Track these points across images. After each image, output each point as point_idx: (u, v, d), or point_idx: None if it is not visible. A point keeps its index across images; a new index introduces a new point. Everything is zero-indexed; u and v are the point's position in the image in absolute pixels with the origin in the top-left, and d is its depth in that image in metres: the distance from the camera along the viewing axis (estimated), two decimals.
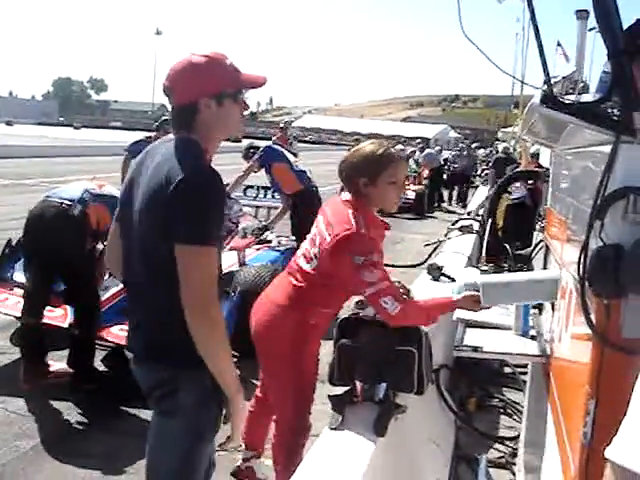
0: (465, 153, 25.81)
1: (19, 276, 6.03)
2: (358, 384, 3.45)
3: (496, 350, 3.95)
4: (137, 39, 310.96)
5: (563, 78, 3.97)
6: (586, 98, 2.51)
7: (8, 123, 66.66)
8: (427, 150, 24.61)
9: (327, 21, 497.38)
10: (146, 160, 2.58)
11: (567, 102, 2.11)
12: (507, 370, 6.37)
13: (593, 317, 1.97)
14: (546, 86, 2.07)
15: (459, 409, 5.26)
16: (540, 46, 2.61)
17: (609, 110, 2.00)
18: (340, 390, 3.45)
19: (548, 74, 2.53)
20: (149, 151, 2.64)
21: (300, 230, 8.67)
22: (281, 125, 24.79)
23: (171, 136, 2.60)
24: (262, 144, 9.32)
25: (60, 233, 5.23)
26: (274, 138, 25.19)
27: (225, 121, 2.66)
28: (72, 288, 5.52)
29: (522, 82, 2.22)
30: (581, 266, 1.97)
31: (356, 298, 3.71)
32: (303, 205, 8.64)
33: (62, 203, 5.39)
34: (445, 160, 28.24)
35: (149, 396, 2.66)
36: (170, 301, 2.37)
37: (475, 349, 3.84)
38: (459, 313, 4.15)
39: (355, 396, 3.39)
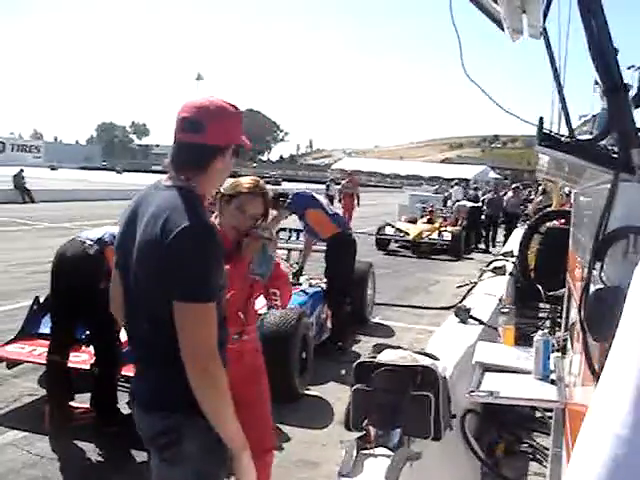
0: (498, 195, 25.46)
1: (45, 330, 6.13)
2: (372, 429, 3.38)
3: (513, 395, 3.85)
4: (178, 84, 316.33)
5: (593, 117, 3.91)
6: (586, 136, 2.46)
7: (52, 168, 67.84)
8: (458, 203, 24.47)
9: (366, 64, 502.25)
10: (139, 208, 2.52)
11: (564, 140, 2.06)
12: (537, 414, 6.22)
13: (595, 360, 1.89)
14: (539, 125, 2.02)
15: (486, 455, 5.12)
16: (559, 85, 2.58)
17: (608, 147, 1.94)
18: (351, 435, 3.39)
19: (567, 114, 2.49)
20: (141, 199, 2.57)
21: (336, 271, 8.79)
22: (349, 172, 28.92)
23: (165, 183, 2.56)
24: (290, 191, 9.37)
25: (78, 271, 5.33)
26: (344, 182, 27.24)
27: (226, 173, 2.68)
28: (91, 327, 5.58)
29: (524, 121, 2.15)
30: (582, 309, 1.90)
31: (372, 341, 3.67)
32: (339, 247, 8.76)
33: (84, 242, 5.50)
34: (483, 201, 28.05)
35: (151, 443, 2.61)
36: (172, 352, 2.33)
37: (491, 394, 3.75)
38: (478, 357, 4.07)
39: (368, 442, 3.32)
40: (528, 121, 2.14)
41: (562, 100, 2.61)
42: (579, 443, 1.10)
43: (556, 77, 2.57)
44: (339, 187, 28.11)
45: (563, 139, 2.05)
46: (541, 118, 2.04)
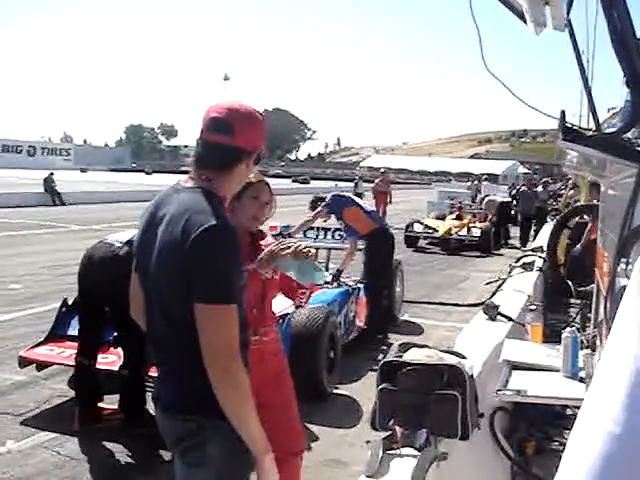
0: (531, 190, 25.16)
1: (74, 332, 6.16)
2: (398, 429, 3.35)
3: (541, 394, 3.79)
4: (206, 85, 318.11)
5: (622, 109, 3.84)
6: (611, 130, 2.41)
7: (82, 170, 68.51)
8: (487, 198, 24.25)
9: (394, 61, 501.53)
10: (159, 210, 2.50)
11: (587, 134, 2.01)
12: (569, 412, 6.14)
13: None
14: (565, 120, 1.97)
15: (516, 454, 5.06)
16: (585, 78, 2.54)
17: (632, 140, 1.89)
18: (377, 434, 3.36)
19: (594, 108, 2.45)
20: (160, 201, 2.55)
21: (374, 267, 9.11)
22: (382, 170, 29.39)
23: (184, 184, 2.55)
24: (328, 194, 9.59)
25: (106, 271, 5.33)
26: (377, 180, 27.79)
27: (245, 179, 2.70)
28: (119, 329, 5.59)
29: (545, 114, 2.09)
30: (607, 305, 1.86)
31: (401, 339, 3.64)
32: (377, 243, 9.16)
33: (112, 244, 5.52)
34: (514, 197, 27.78)
35: (174, 447, 2.60)
36: (194, 354, 2.32)
37: (518, 392, 3.69)
38: (505, 354, 4.01)
39: (395, 442, 3.29)
40: (550, 115, 2.10)
41: (588, 93, 2.56)
42: (572, 440, 1.09)
43: (582, 69, 2.52)
44: (373, 185, 28.28)
45: (586, 133, 2.01)
46: (563, 112, 1.99)
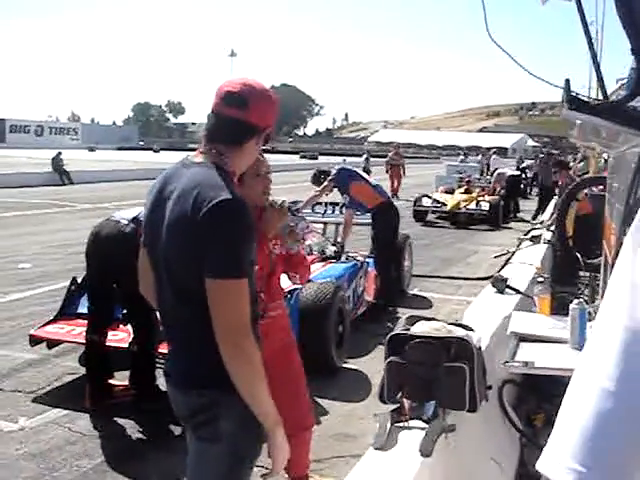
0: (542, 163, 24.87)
1: (84, 309, 6.18)
2: (406, 402, 3.36)
3: (549, 365, 3.79)
4: (212, 61, 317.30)
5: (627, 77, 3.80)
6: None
7: (91, 149, 68.35)
8: (497, 171, 24.09)
9: (401, 34, 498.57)
10: (167, 185, 2.49)
11: (593, 103, 1.99)
12: None
13: None
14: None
15: (525, 426, 5.07)
16: (591, 47, 2.51)
17: (638, 109, 1.87)
18: (386, 408, 3.37)
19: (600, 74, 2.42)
20: (169, 176, 2.54)
21: (381, 240, 9.19)
22: (395, 144, 31.83)
23: (193, 159, 2.55)
24: (332, 169, 9.59)
25: (112, 249, 5.37)
26: (390, 154, 28.87)
27: (254, 157, 2.70)
28: (128, 306, 5.62)
29: (551, 84, 2.06)
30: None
31: (410, 313, 3.65)
32: (385, 216, 9.22)
33: (119, 221, 5.54)
34: (523, 169, 27.60)
35: (187, 422, 2.62)
36: (204, 329, 2.32)
37: (526, 364, 3.69)
38: (513, 327, 4.01)
39: (403, 414, 3.30)
40: (555, 84, 2.08)
41: (595, 62, 2.53)
42: (567, 398, 1.09)
43: (589, 39, 2.49)
44: (386, 159, 29.28)
45: (591, 102, 1.99)
46: (567, 80, 1.97)
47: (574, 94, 1.95)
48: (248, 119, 2.50)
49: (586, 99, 1.96)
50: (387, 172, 28.04)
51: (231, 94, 2.50)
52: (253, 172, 3.52)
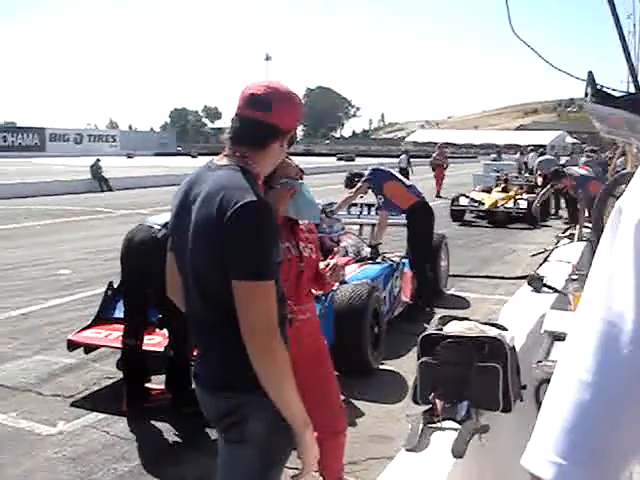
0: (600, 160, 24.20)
1: (120, 314, 6.24)
2: (439, 403, 3.32)
3: None
4: (247, 66, 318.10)
5: None
6: None
7: (129, 156, 68.91)
8: (545, 156, 23.75)
9: (436, 34, 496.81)
10: (193, 189, 2.51)
11: (617, 95, 1.95)
12: None
13: None
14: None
15: None
16: (622, 37, 2.46)
17: None
18: (419, 409, 3.34)
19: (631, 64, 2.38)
20: (194, 180, 2.56)
21: (417, 241, 9.12)
22: (439, 144, 32.68)
23: (218, 162, 2.55)
24: (365, 171, 9.57)
25: (145, 254, 5.39)
26: (434, 155, 29.88)
27: (279, 160, 2.70)
28: (163, 310, 5.64)
29: (575, 77, 2.01)
30: None
31: (448, 313, 3.62)
32: (419, 216, 9.13)
33: (151, 227, 5.58)
34: (563, 166, 27.19)
35: (217, 424, 2.63)
36: (232, 331, 2.33)
37: None
38: (547, 325, 3.95)
39: (435, 415, 3.27)
40: (578, 77, 2.04)
41: (627, 54, 2.48)
42: (548, 392, 1.09)
43: (620, 32, 2.44)
44: (430, 159, 30.36)
45: (616, 93, 1.95)
46: (590, 72, 1.94)
47: (599, 86, 1.91)
48: (271, 121, 2.50)
49: (611, 91, 1.92)
50: (433, 170, 29.09)
51: (255, 96, 2.52)
52: (282, 175, 3.52)
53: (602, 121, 2.32)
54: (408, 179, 12.12)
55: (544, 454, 1.05)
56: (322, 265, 3.88)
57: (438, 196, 26.15)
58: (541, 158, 23.12)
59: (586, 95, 1.95)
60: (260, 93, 2.52)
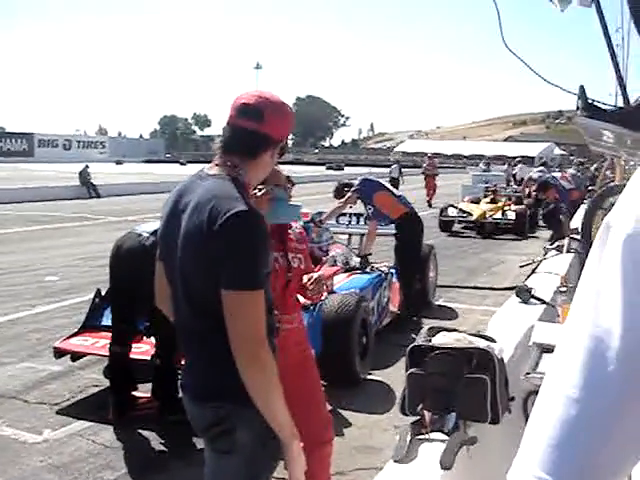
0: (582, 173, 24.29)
1: (108, 322, 6.21)
2: (427, 414, 3.32)
3: None
4: (237, 74, 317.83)
5: None
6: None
7: (118, 162, 68.71)
8: (539, 169, 23.82)
9: (426, 45, 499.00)
10: (182, 198, 2.51)
11: (607, 109, 1.96)
12: None
13: None
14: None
15: None
16: (612, 53, 2.48)
17: None
18: (407, 420, 3.34)
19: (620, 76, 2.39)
20: (184, 189, 2.56)
21: (407, 249, 9.13)
22: (429, 155, 33.72)
23: (208, 172, 2.55)
24: (354, 181, 9.54)
25: (134, 262, 5.37)
26: (425, 165, 31.08)
27: (269, 169, 2.70)
28: (150, 318, 5.63)
29: (566, 91, 2.02)
30: None
31: (436, 324, 3.63)
32: (408, 227, 9.17)
33: (140, 234, 5.57)
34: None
35: (203, 434, 2.62)
36: (220, 341, 2.33)
37: None
38: (535, 337, 3.96)
39: (424, 426, 3.26)
40: (570, 91, 2.05)
41: (616, 67, 2.49)
42: (535, 407, 1.10)
43: (609, 44, 2.46)
44: (421, 169, 31.76)
45: (607, 108, 1.96)
46: (582, 86, 1.94)
47: (590, 100, 1.92)
48: (263, 131, 2.51)
49: (602, 105, 1.93)
50: (425, 178, 30.13)
51: (246, 106, 2.52)
52: (271, 184, 3.51)
53: (592, 135, 2.33)
54: (398, 189, 12.13)
55: (530, 470, 1.06)
56: (305, 278, 3.88)
57: (429, 205, 26.35)
58: (540, 173, 23.21)
59: (577, 109, 1.96)
60: (252, 103, 2.52)
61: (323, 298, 6.41)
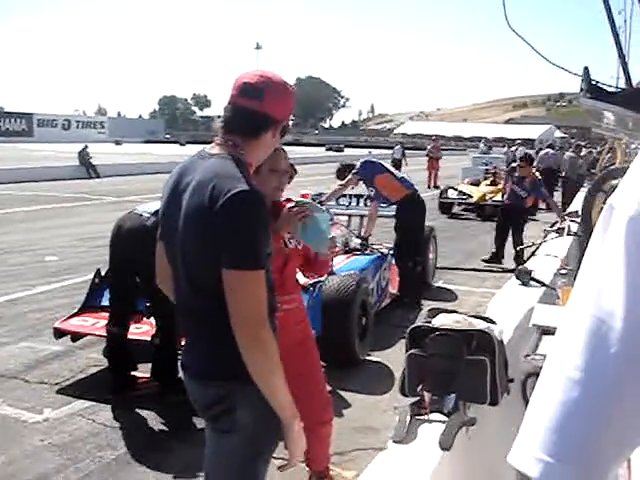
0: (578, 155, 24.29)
1: (107, 302, 6.21)
2: (426, 395, 3.33)
3: None
4: (237, 54, 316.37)
5: None
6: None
7: (117, 143, 68.43)
8: (545, 151, 23.78)
9: (426, 25, 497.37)
10: (184, 177, 2.50)
11: (612, 91, 1.95)
12: None
13: None
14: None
15: None
16: (615, 34, 2.47)
17: None
18: (407, 401, 3.35)
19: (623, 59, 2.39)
20: (185, 168, 2.55)
21: (407, 233, 9.08)
22: (433, 137, 33.90)
23: (210, 151, 2.54)
24: (356, 162, 9.47)
25: (135, 242, 5.38)
26: (429, 147, 31.18)
27: (271, 149, 2.69)
28: (150, 298, 5.64)
29: (571, 72, 2.00)
30: None
31: (435, 305, 3.63)
32: (410, 208, 9.12)
33: (141, 215, 5.56)
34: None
35: (204, 413, 2.63)
36: (221, 321, 2.32)
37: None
38: (535, 319, 3.97)
39: (423, 407, 3.28)
40: (575, 73, 2.04)
41: (619, 50, 2.49)
42: (537, 386, 1.10)
43: (612, 27, 2.45)
44: (426, 152, 31.61)
45: (611, 89, 1.95)
46: (586, 68, 1.94)
47: (594, 82, 1.91)
48: (264, 110, 2.49)
49: (606, 87, 1.92)
50: (428, 162, 30.35)
51: (248, 85, 2.51)
52: (269, 166, 3.48)
53: (594, 117, 2.33)
54: (400, 170, 12.09)
55: (531, 451, 1.06)
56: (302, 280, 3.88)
57: (436, 187, 26.48)
58: (541, 153, 23.09)
59: (581, 90, 1.95)
60: (253, 82, 2.50)
61: (323, 279, 6.42)
